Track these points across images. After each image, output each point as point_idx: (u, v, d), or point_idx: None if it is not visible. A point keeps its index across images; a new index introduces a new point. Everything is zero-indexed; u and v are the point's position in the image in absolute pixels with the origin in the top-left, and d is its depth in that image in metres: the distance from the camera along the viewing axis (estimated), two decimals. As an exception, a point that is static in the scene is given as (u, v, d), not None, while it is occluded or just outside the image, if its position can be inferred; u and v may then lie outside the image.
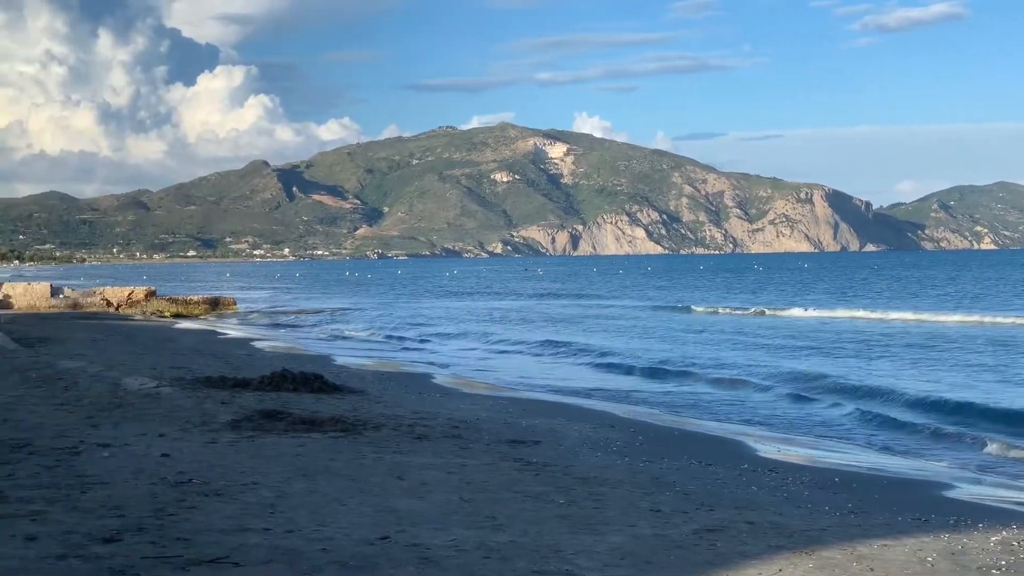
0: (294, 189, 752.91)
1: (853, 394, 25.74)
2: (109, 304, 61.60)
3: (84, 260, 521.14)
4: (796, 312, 62.49)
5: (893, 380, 28.39)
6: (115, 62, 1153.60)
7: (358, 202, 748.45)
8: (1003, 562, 9.57)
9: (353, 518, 10.01)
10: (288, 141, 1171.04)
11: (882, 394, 25.51)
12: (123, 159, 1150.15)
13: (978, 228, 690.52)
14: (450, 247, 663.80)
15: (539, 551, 9.09)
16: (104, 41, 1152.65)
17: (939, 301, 74.09)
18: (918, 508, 12.61)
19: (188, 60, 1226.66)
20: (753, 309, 65.93)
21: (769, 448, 17.91)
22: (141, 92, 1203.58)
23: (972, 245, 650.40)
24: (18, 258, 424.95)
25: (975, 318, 54.19)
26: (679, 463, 15.32)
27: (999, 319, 53.04)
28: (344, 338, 46.99)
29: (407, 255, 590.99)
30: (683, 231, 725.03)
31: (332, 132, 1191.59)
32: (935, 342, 40.53)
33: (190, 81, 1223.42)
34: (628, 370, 32.25)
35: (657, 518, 10.71)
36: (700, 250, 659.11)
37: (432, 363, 34.63)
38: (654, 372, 31.32)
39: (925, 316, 55.70)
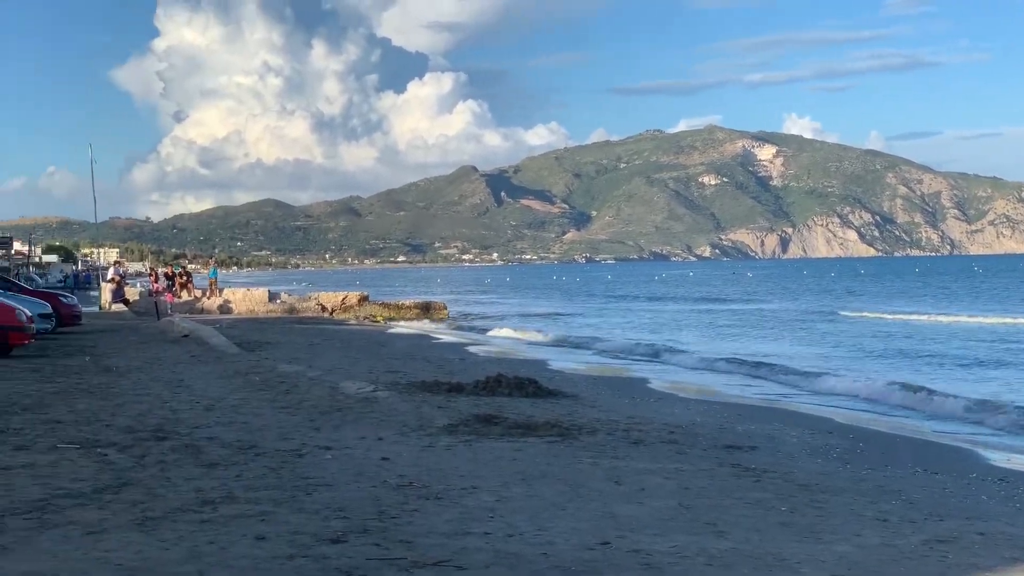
0: (502, 194, 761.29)
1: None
2: (323, 309, 63.07)
3: (298, 265, 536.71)
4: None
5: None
6: (328, 72, 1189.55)
7: (566, 206, 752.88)
8: None
9: (572, 523, 9.98)
10: (496, 146, 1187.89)
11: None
12: (336, 166, 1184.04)
13: None
14: (658, 250, 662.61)
15: (762, 559, 8.92)
16: (318, 52, 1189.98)
17: None
18: None
19: (398, 68, 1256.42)
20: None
21: (997, 456, 17.29)
22: (353, 100, 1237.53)
23: None
24: (236, 264, 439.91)
25: None
26: (903, 471, 14.89)
27: None
28: (554, 343, 47.10)
29: (615, 259, 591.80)
30: (897, 233, 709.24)
31: (539, 137, 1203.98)
32: None
33: (400, 88, 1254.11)
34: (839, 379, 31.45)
35: (883, 527, 10.41)
36: (915, 252, 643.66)
37: (643, 367, 34.48)
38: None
39: None
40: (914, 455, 16.79)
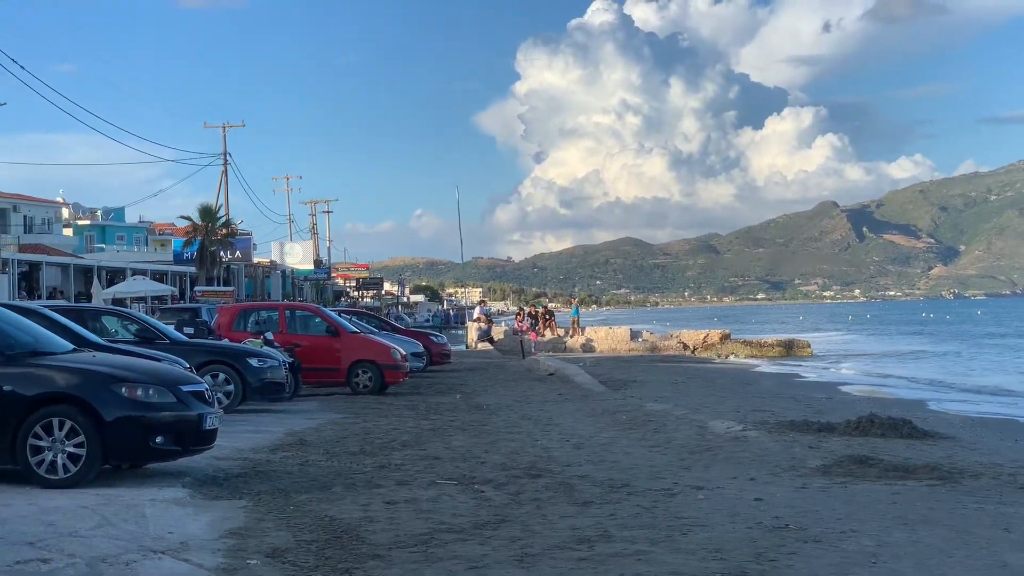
0: (864, 229, 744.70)
1: None
2: (685, 347, 63.04)
3: (657, 303, 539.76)
4: None
5: None
6: (686, 109, 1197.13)
7: (931, 240, 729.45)
8: None
9: (962, 571, 9.56)
10: (857, 180, 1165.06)
11: None
12: (693, 204, 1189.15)
13: None
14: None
15: None
16: (675, 90, 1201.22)
17: None
18: None
19: (756, 104, 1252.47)
20: None
21: None
22: (711, 137, 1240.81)
23: None
24: (595, 302, 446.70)
25: None
26: None
27: None
28: (927, 383, 45.33)
29: (985, 295, 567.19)
30: None
31: (903, 170, 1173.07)
32: None
33: (758, 124, 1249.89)
34: None
35: None
36: None
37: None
38: None
39: None
40: None
